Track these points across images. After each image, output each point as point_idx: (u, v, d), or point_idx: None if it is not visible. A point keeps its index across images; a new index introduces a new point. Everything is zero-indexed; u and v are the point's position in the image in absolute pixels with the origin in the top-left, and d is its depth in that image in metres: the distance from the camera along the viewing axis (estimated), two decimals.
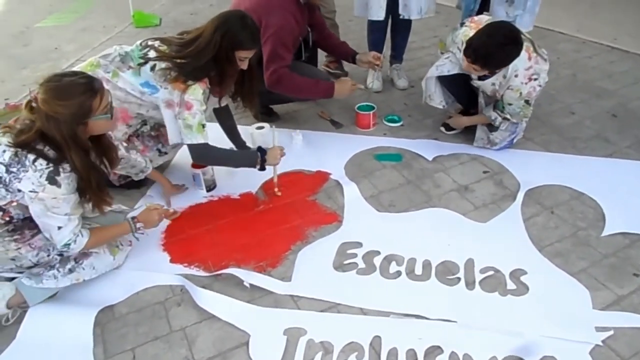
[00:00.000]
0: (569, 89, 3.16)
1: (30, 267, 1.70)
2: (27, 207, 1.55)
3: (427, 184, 2.32)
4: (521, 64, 2.19)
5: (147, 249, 1.96)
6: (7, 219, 1.57)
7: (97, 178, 1.63)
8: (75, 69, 1.99)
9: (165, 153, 2.32)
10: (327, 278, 1.83)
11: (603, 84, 3.21)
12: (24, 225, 1.61)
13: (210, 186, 2.31)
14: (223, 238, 2.02)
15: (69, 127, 1.49)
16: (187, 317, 1.69)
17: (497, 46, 2.07)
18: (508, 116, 2.35)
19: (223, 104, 2.28)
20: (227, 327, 1.65)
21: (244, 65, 2.04)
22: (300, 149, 2.57)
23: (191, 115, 1.97)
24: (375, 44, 3.14)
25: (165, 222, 2.08)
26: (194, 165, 2.26)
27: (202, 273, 1.85)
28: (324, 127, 2.80)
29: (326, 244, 1.98)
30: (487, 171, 2.40)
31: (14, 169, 1.49)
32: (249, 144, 2.49)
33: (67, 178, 1.53)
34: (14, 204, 1.55)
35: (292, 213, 2.15)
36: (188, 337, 1.63)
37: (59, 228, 1.58)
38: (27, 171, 1.49)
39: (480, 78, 2.32)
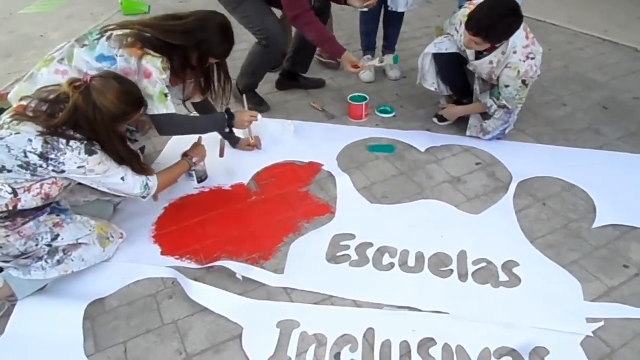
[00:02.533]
0: (561, 80, 3.17)
1: (17, 257, 1.67)
2: (54, 188, 1.62)
3: (419, 175, 2.32)
4: (519, 41, 2.19)
5: (138, 241, 1.94)
6: (13, 207, 1.55)
7: (137, 160, 1.80)
8: (34, 70, 1.91)
9: (136, 141, 2.19)
10: (320, 270, 1.82)
11: (594, 76, 3.22)
12: (17, 214, 1.59)
13: (202, 177, 2.28)
14: (215, 230, 2.00)
15: (108, 122, 1.61)
16: (179, 310, 1.68)
17: (499, 17, 2.08)
18: (504, 102, 2.34)
19: (197, 100, 2.24)
20: (220, 320, 1.64)
21: (210, 63, 2.05)
22: (293, 140, 2.55)
23: (151, 84, 1.85)
24: (368, 35, 3.13)
25: (156, 214, 2.05)
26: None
27: (194, 265, 1.84)
28: (317, 117, 2.78)
29: (319, 236, 1.97)
30: (480, 163, 2.40)
31: (52, 156, 1.55)
32: (239, 134, 2.46)
33: (100, 149, 1.63)
34: (47, 185, 1.60)
35: (285, 205, 2.13)
36: (180, 330, 1.61)
37: (123, 179, 1.71)
38: (65, 154, 1.55)
39: (478, 58, 2.31)
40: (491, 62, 2.28)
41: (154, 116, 1.93)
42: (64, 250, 1.70)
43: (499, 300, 1.71)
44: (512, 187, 2.22)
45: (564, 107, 2.88)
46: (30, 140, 1.53)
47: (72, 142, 1.56)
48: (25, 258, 1.68)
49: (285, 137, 2.55)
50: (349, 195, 2.18)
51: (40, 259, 1.68)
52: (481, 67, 2.34)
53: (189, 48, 1.92)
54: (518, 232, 1.99)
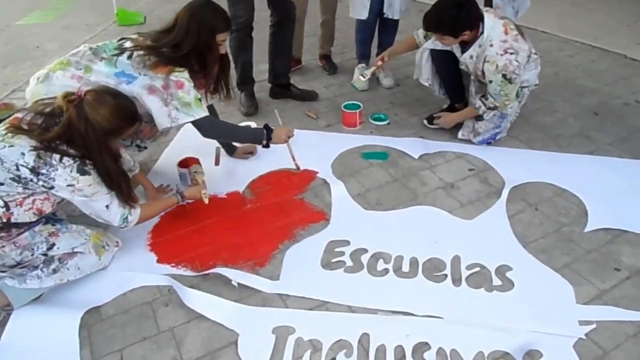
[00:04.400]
0: (552, 87, 3.21)
1: (12, 266, 1.68)
2: (47, 204, 1.62)
3: (413, 181, 2.34)
4: (496, 35, 2.25)
5: (133, 249, 1.95)
6: (6, 219, 1.56)
7: (125, 180, 1.76)
8: (45, 69, 1.95)
9: (145, 148, 2.25)
10: (315, 276, 1.83)
11: (585, 82, 3.26)
12: (12, 225, 1.59)
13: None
14: (210, 237, 2.02)
15: (100, 136, 1.60)
16: (175, 317, 1.69)
17: (441, 11, 2.24)
18: (492, 103, 2.37)
19: (208, 102, 2.27)
20: (216, 327, 1.64)
21: (223, 49, 2.07)
22: (271, 146, 2.55)
23: (185, 93, 1.93)
24: (362, 43, 3.17)
25: (152, 222, 2.06)
26: (180, 165, 2.26)
27: (189, 273, 1.85)
28: (311, 125, 2.81)
29: (314, 243, 1.98)
30: (473, 169, 2.42)
31: (44, 171, 1.54)
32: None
33: (93, 167, 1.63)
34: (39, 200, 1.60)
35: (280, 212, 2.15)
36: (176, 338, 1.62)
37: (107, 207, 1.70)
38: (56, 170, 1.55)
39: (462, 52, 2.38)
40: (472, 57, 2.35)
41: (197, 120, 2.00)
42: (59, 259, 1.71)
43: (493, 304, 1.72)
44: (505, 193, 2.25)
45: (555, 113, 2.92)
46: (23, 154, 1.53)
47: (65, 159, 1.56)
48: (21, 267, 1.69)
49: (279, 145, 2.55)
50: (343, 202, 2.20)
51: (36, 267, 1.68)
52: (466, 62, 2.39)
53: (197, 44, 1.95)
54: (511, 237, 2.01)
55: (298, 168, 2.37)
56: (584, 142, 2.64)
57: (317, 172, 2.38)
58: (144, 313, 1.71)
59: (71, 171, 1.57)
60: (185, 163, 2.26)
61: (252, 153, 2.49)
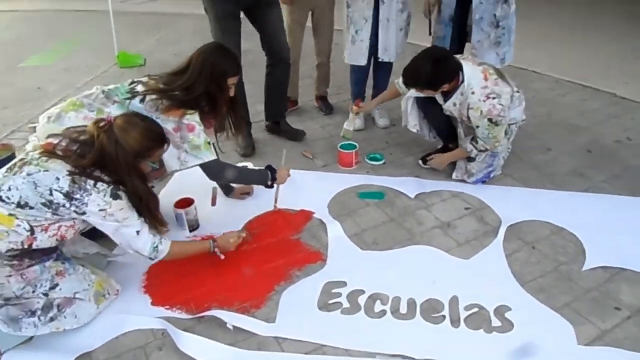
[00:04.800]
0: (545, 125, 3.26)
1: (7, 299, 1.63)
2: (71, 231, 1.65)
3: (409, 221, 2.34)
4: (476, 82, 2.31)
5: (127, 291, 1.92)
6: (27, 245, 1.56)
7: (154, 202, 1.80)
8: (56, 108, 1.99)
9: (152, 187, 2.28)
10: (312, 318, 1.81)
11: (577, 121, 3.32)
12: (26, 254, 1.59)
13: (193, 226, 2.29)
14: (205, 279, 1.99)
15: (130, 158, 1.66)
16: None
17: (418, 67, 2.30)
18: (482, 146, 2.41)
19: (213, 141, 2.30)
20: None
21: (232, 92, 2.13)
22: (284, 188, 2.57)
23: (196, 136, 1.99)
24: (357, 84, 3.24)
25: (147, 264, 2.04)
26: (176, 206, 2.26)
27: (184, 315, 1.82)
28: (308, 165, 2.83)
29: (310, 284, 1.96)
30: (469, 207, 2.43)
31: (77, 196, 1.57)
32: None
33: (125, 193, 1.66)
34: (64, 227, 1.62)
35: (276, 252, 2.14)
36: None
37: (138, 233, 1.71)
38: (90, 194, 1.59)
39: (445, 101, 2.43)
40: (455, 104, 2.40)
41: (205, 163, 2.05)
42: (58, 306, 1.68)
43: (492, 345, 1.69)
44: (502, 231, 2.24)
45: (549, 151, 2.95)
46: (58, 179, 1.56)
47: (99, 184, 1.61)
48: (14, 304, 1.64)
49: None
50: (340, 242, 2.19)
51: (33, 313, 1.64)
52: (450, 109, 2.45)
53: (209, 86, 2.02)
54: (509, 276, 1.99)
55: (275, 207, 2.37)
56: (578, 180, 2.66)
57: (313, 212, 2.39)
58: (137, 358, 1.67)
59: (104, 195, 1.60)
60: (181, 204, 2.26)
61: (248, 193, 2.50)
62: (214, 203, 2.48)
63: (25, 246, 1.56)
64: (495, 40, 2.79)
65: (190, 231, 2.28)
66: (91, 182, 1.60)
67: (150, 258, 1.79)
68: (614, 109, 3.50)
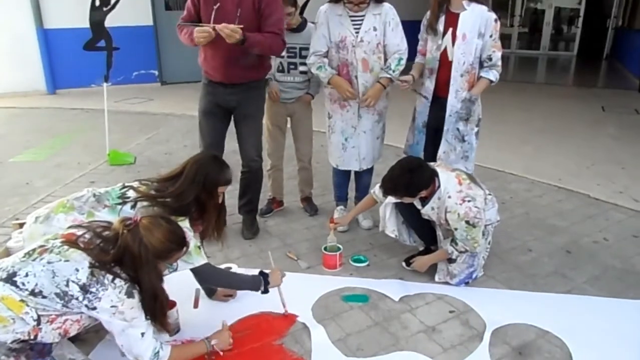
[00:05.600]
0: (524, 226, 3.35)
1: None
2: (75, 326, 1.63)
3: (394, 325, 2.32)
4: (451, 187, 2.44)
5: None
6: (33, 336, 1.52)
7: (167, 304, 1.83)
8: (45, 208, 2.02)
9: None
10: None
11: (555, 222, 3.42)
12: (25, 350, 1.55)
13: (174, 330, 2.23)
14: None
15: (152, 259, 1.69)
16: None
17: (396, 177, 2.44)
18: (462, 247, 2.46)
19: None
20: None
21: (220, 199, 2.20)
22: (270, 291, 2.55)
23: None
24: (339, 186, 3.35)
25: None
26: None
27: None
28: (292, 267, 2.83)
29: None
30: (453, 310, 2.42)
31: (93, 289, 1.58)
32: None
33: (139, 293, 1.67)
34: (70, 321, 1.60)
35: (258, 359, 2.07)
36: None
37: (142, 335, 1.69)
38: (106, 289, 1.60)
39: (424, 206, 2.53)
40: (433, 208, 2.50)
41: (197, 267, 2.08)
42: None
43: None
44: (487, 336, 2.22)
45: (529, 252, 3.01)
46: (77, 270, 1.58)
47: (117, 280, 1.63)
48: None
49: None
50: (323, 349, 2.14)
51: None
52: (428, 213, 2.53)
53: (200, 194, 2.10)
54: None
55: (285, 312, 2.35)
56: (560, 281, 2.69)
57: (297, 316, 2.35)
58: None
59: (120, 292, 1.61)
60: None
61: (231, 295, 2.48)
62: (196, 305, 2.44)
63: (31, 337, 1.53)
64: (463, 154, 2.96)
65: (171, 335, 2.21)
66: (110, 277, 1.62)
67: None
68: (589, 209, 3.63)
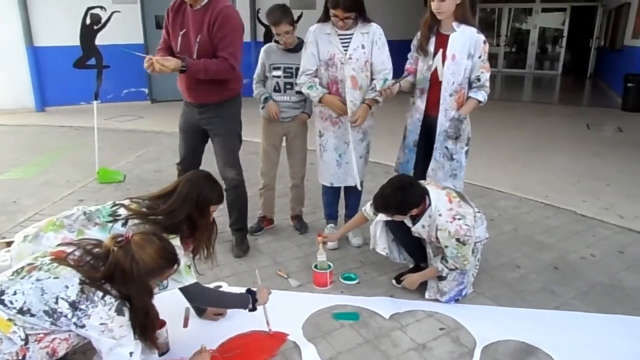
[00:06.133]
0: (512, 243, 3.38)
1: None
2: (63, 345, 1.61)
3: (385, 343, 2.31)
4: (442, 205, 2.46)
5: None
6: (21, 356, 1.50)
7: (157, 321, 1.84)
8: (34, 227, 2.01)
9: None
10: None
11: (542, 238, 3.46)
12: None
13: (163, 350, 2.21)
14: None
15: (143, 275, 1.68)
16: None
17: (388, 195, 2.45)
18: (452, 265, 2.48)
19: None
20: None
21: (211, 217, 2.21)
22: (259, 309, 2.54)
23: None
24: (329, 205, 3.37)
25: None
26: None
27: None
28: (282, 285, 2.82)
29: None
30: (443, 328, 2.43)
31: (83, 306, 1.56)
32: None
33: (130, 311, 1.66)
34: (58, 339, 1.59)
35: None
36: None
37: (131, 355, 1.67)
38: (96, 306, 1.59)
39: (414, 224, 2.55)
40: (423, 226, 2.52)
41: (186, 287, 2.08)
42: None
43: None
44: (477, 353, 2.23)
45: (517, 268, 3.03)
46: (67, 287, 1.56)
47: (107, 297, 1.61)
48: None
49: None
50: None
51: None
52: (419, 231, 2.55)
53: (192, 212, 2.10)
54: None
55: (270, 330, 2.34)
56: (549, 297, 2.71)
57: (287, 335, 2.34)
58: None
59: (110, 309, 1.60)
60: None
61: (222, 314, 2.46)
62: (186, 324, 2.42)
63: (19, 357, 1.51)
64: (451, 172, 3.00)
65: (160, 355, 2.19)
66: (100, 293, 1.61)
67: None
68: (576, 226, 3.67)
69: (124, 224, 2.00)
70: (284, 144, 3.46)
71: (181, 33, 2.78)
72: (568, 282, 2.87)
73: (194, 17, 2.75)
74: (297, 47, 3.19)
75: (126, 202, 2.13)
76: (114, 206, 2.10)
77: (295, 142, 3.41)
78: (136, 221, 2.01)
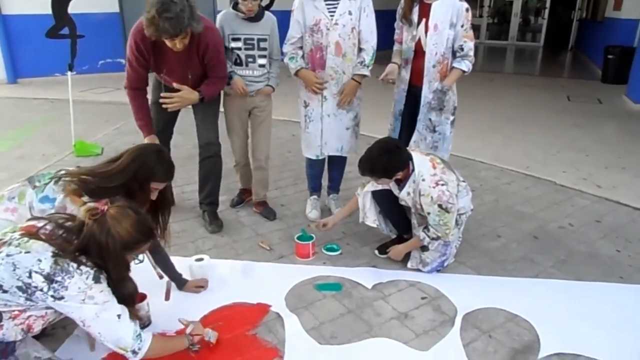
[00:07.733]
0: (493, 213, 3.41)
1: None
2: (39, 322, 1.59)
3: (367, 312, 2.33)
4: (425, 170, 2.46)
5: None
6: None
7: (136, 294, 1.81)
8: None
9: None
10: None
11: (523, 208, 3.50)
12: None
13: (145, 323, 2.19)
14: None
15: (119, 249, 1.64)
16: None
17: (375, 157, 2.44)
18: (434, 234, 2.48)
19: None
20: None
21: (154, 196, 2.12)
22: (241, 281, 2.54)
23: None
24: (313, 177, 3.33)
25: None
26: None
27: None
28: (265, 257, 2.82)
29: None
30: (425, 297, 2.46)
31: (59, 278, 1.52)
32: (186, 276, 2.45)
33: (105, 279, 1.63)
34: (34, 316, 1.56)
35: (232, 350, 2.06)
36: None
37: (119, 317, 1.65)
38: (72, 277, 1.55)
39: (400, 191, 2.55)
40: (408, 193, 2.52)
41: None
42: None
43: None
44: (458, 320, 2.27)
45: (498, 238, 3.07)
46: (40, 260, 1.52)
47: (82, 267, 1.58)
48: None
49: (232, 278, 2.54)
50: (297, 337, 2.14)
51: None
52: (404, 198, 2.56)
53: (129, 182, 1.99)
54: None
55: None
56: (529, 266, 2.76)
57: (270, 306, 2.34)
58: None
59: (87, 278, 1.57)
60: None
61: (203, 287, 2.45)
62: (167, 298, 2.40)
63: None
64: (432, 145, 3.00)
65: (142, 328, 2.16)
66: (74, 264, 1.57)
67: (134, 351, 1.71)
68: (555, 196, 3.73)
69: (56, 182, 1.90)
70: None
71: (165, 71, 2.82)
72: (547, 251, 2.92)
73: (177, 55, 2.69)
74: (257, 15, 2.96)
75: (73, 168, 2.04)
76: (59, 171, 2.00)
77: (259, 118, 3.19)
78: (67, 179, 1.91)
